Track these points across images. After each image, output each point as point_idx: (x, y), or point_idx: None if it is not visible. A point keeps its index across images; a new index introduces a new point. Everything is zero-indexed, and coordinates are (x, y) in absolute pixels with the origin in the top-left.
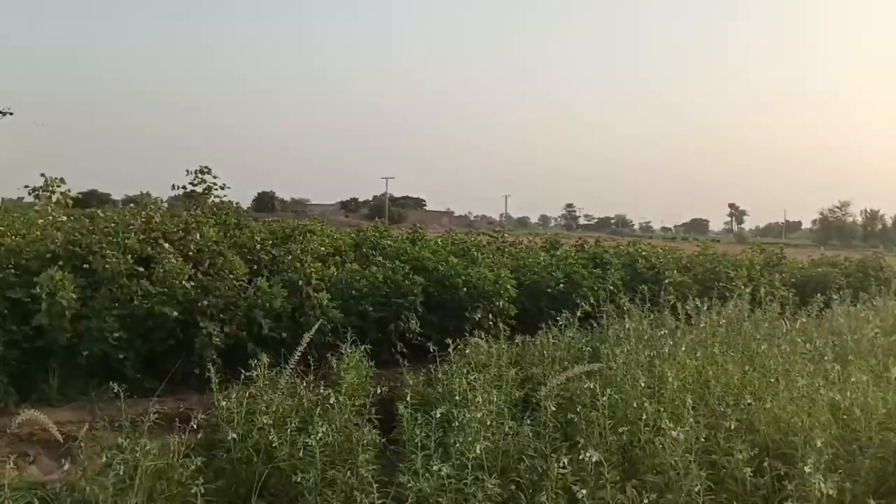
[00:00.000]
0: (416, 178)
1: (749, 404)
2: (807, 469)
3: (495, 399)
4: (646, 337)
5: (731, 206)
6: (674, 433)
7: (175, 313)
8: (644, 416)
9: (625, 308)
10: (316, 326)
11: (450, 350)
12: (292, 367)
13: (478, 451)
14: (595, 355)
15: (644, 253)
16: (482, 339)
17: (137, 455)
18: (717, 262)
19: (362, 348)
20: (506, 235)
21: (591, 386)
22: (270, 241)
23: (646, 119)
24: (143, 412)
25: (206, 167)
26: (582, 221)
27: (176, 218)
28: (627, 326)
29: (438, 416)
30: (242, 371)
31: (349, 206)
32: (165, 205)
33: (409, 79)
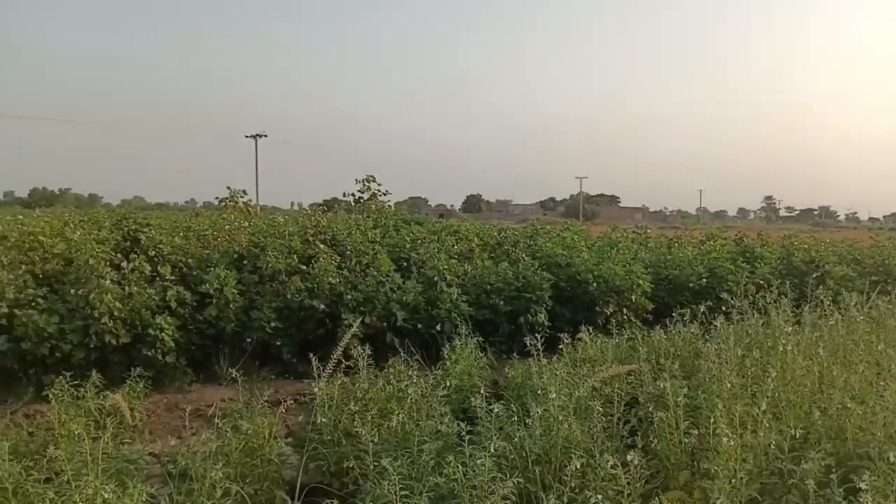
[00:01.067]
0: (611, 176)
1: (845, 408)
2: (862, 485)
3: (554, 396)
4: (776, 334)
5: None
6: (725, 438)
7: (322, 306)
8: (712, 419)
9: (764, 302)
10: (357, 323)
11: (563, 344)
12: (335, 359)
13: (492, 450)
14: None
15: (804, 245)
16: (614, 331)
17: (229, 434)
18: (888, 254)
19: (475, 340)
20: (647, 231)
21: (662, 385)
22: (420, 241)
23: (851, 99)
24: (293, 392)
25: (372, 176)
26: (783, 213)
27: (346, 221)
28: (751, 322)
29: (496, 410)
30: (340, 363)
31: (547, 205)
32: (332, 210)
33: (599, 82)
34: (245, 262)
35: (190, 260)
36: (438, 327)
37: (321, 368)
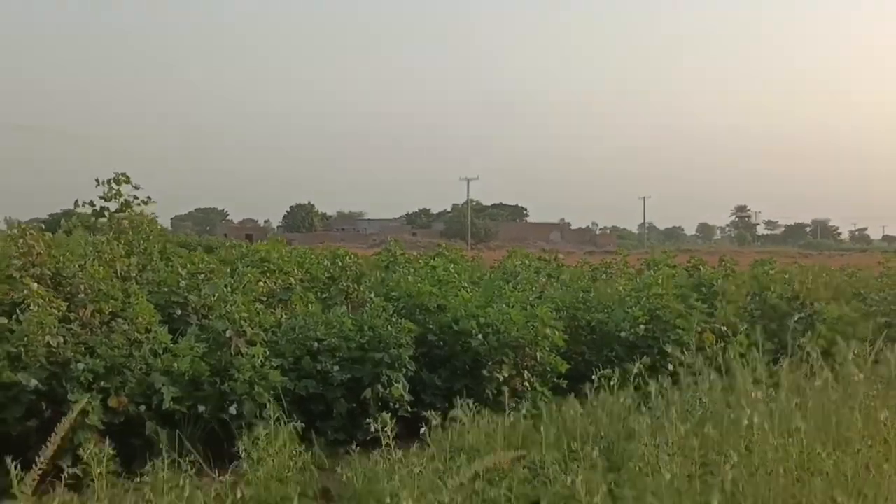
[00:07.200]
0: (515, 179)
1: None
2: None
3: None
4: (741, 402)
5: None
6: None
7: (35, 381)
8: None
9: (727, 357)
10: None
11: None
12: (41, 466)
13: None
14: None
15: (784, 275)
16: (508, 405)
17: None
18: None
19: (291, 427)
20: (560, 256)
21: (573, 480)
22: (203, 276)
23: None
24: None
25: (123, 174)
26: (762, 231)
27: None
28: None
29: None
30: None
31: (418, 219)
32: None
33: (490, 47)
34: None
35: None
36: (233, 409)
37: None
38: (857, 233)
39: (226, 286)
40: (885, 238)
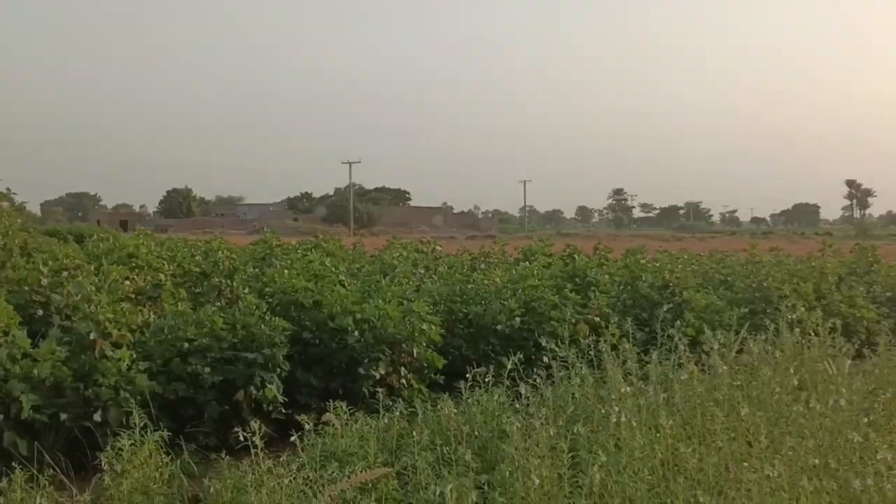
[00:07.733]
0: (398, 162)
1: None
2: None
3: None
4: (612, 397)
5: (851, 183)
6: None
7: None
8: None
9: (599, 349)
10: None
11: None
12: None
13: None
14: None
15: (654, 264)
16: (382, 405)
17: None
18: (767, 274)
19: (157, 435)
20: (437, 247)
21: (441, 491)
22: (68, 273)
23: (725, 77)
24: None
25: None
26: (638, 213)
27: None
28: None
29: None
30: None
31: (300, 204)
32: None
33: (379, 34)
34: None
35: None
36: (98, 416)
37: None
38: (727, 215)
39: (91, 284)
40: (754, 220)
